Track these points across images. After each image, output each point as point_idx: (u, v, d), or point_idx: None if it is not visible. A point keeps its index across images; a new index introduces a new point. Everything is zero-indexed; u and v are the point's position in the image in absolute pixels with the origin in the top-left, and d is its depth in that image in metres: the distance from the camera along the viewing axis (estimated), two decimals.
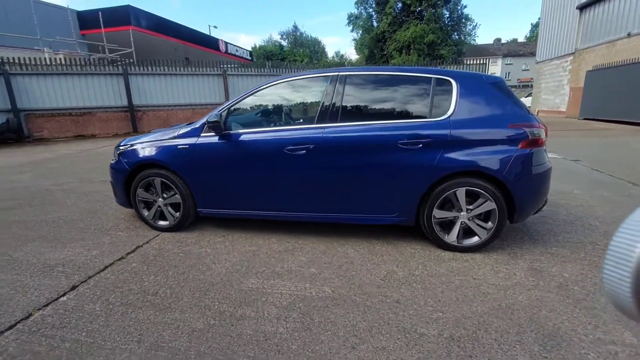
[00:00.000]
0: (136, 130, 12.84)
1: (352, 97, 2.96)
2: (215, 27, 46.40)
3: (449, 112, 2.71)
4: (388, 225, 3.05)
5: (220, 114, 3.04)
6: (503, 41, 62.50)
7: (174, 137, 3.20)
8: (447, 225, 2.83)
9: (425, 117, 2.77)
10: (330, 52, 50.93)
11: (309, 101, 3.34)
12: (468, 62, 17.22)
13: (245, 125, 3.18)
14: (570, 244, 2.91)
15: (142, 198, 3.36)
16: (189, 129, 3.18)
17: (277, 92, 3.22)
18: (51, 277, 2.54)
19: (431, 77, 2.82)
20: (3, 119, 10.70)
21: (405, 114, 2.87)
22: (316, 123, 2.91)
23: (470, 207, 2.73)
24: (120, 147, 3.47)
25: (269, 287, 2.36)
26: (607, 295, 0.44)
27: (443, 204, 2.76)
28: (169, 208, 3.34)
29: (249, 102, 3.20)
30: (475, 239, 2.80)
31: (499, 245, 2.90)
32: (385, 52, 33.62)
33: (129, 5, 18.29)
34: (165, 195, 3.31)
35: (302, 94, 3.29)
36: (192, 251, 2.94)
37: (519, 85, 46.92)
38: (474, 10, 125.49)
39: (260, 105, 3.38)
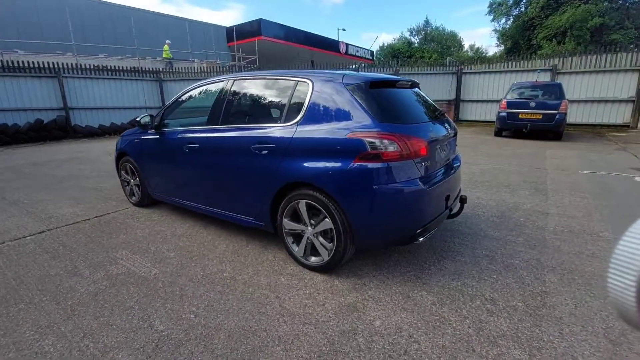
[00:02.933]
0: None
1: (235, 101, 3.10)
2: (343, 29, 48.56)
3: (298, 118, 2.52)
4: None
5: (151, 116, 3.70)
6: None
7: (135, 133, 4.05)
8: (298, 238, 2.64)
9: (278, 122, 2.65)
10: (467, 46, 45.33)
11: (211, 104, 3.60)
12: None
13: (173, 125, 3.72)
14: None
15: (124, 178, 4.40)
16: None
17: (194, 95, 3.61)
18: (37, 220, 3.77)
19: (295, 80, 2.66)
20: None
21: (267, 119, 2.84)
22: (206, 125, 3.20)
23: (314, 222, 2.48)
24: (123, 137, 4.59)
25: (126, 258, 2.86)
26: (611, 304, 0.43)
27: (297, 216, 2.60)
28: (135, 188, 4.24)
29: (178, 104, 3.69)
30: (319, 258, 2.52)
31: (357, 271, 2.49)
32: (532, 42, 27.98)
33: (261, 18, 21.67)
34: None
35: (209, 97, 3.59)
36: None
37: None
38: None
39: (187, 107, 3.84)
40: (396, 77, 2.75)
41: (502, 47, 33.83)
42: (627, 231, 0.43)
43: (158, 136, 3.65)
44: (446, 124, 2.84)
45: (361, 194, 2.22)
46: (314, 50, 26.18)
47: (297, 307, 2.12)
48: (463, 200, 2.92)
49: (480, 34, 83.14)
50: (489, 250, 2.79)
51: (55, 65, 11.43)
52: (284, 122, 2.59)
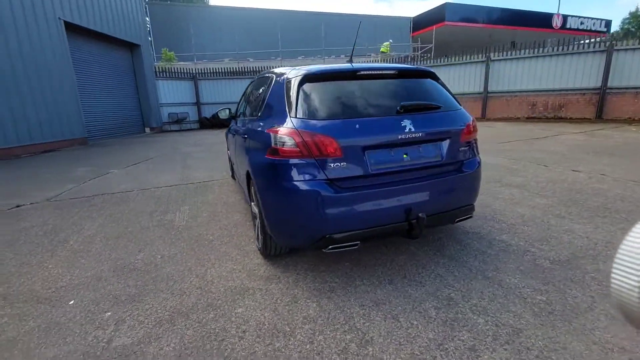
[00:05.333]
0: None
1: (249, 98, 3.42)
2: None
3: (260, 113, 2.60)
4: None
5: (229, 109, 4.53)
6: None
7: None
8: None
9: (253, 116, 2.80)
10: None
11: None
12: None
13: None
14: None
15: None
16: None
17: (248, 90, 4.11)
18: None
19: (271, 76, 2.70)
20: None
21: (254, 112, 2.91)
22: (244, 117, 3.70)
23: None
24: None
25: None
26: (614, 304, 0.44)
27: None
28: None
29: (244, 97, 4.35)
30: (258, 242, 2.59)
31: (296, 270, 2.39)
32: None
33: (447, 2, 20.03)
34: None
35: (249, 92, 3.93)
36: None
37: None
38: None
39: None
40: (356, 65, 2.25)
41: None
42: (630, 232, 0.43)
43: (230, 127, 4.53)
44: (416, 123, 2.09)
45: (264, 187, 2.16)
46: (515, 29, 21.80)
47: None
48: (419, 220, 2.05)
49: None
50: None
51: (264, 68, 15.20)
52: (255, 116, 2.74)
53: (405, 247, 2.61)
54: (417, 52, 20.50)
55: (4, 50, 8.18)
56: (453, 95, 2.47)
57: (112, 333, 1.80)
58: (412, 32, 23.15)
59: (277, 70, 2.72)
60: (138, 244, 2.95)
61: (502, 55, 11.44)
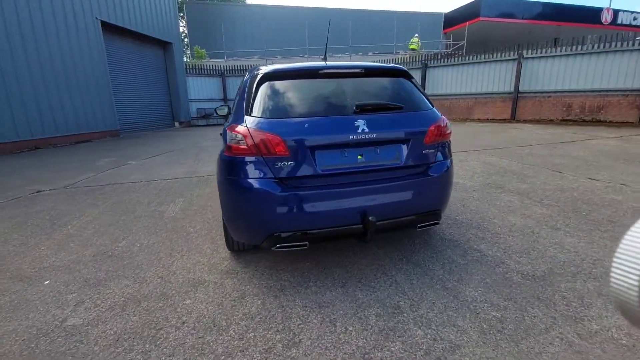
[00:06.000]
0: None
1: None
2: None
3: (233, 110, 2.63)
4: None
5: (229, 107, 4.62)
6: None
7: None
8: None
9: None
10: None
11: None
12: None
13: None
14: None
15: None
16: None
17: None
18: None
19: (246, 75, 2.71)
20: None
21: None
22: None
23: None
24: None
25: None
26: (614, 302, 0.44)
27: None
28: None
29: None
30: None
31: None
32: None
33: None
34: None
35: None
36: None
37: None
38: None
39: None
40: (319, 64, 2.19)
41: None
42: (629, 229, 0.42)
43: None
44: (371, 123, 2.01)
45: (221, 182, 2.18)
46: (559, 24, 20.30)
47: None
48: (369, 224, 1.95)
49: None
50: None
51: None
52: (231, 114, 2.78)
53: (374, 251, 2.55)
54: (449, 49, 19.73)
55: (44, 48, 8.93)
56: (425, 96, 2.35)
57: (69, 313, 1.93)
58: (444, 29, 22.29)
59: (257, 68, 2.74)
60: (124, 232, 3.12)
61: (537, 53, 10.69)
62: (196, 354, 1.58)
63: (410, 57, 16.80)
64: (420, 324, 1.73)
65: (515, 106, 11.31)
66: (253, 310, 1.89)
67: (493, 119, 11.92)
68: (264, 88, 2.13)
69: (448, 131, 2.28)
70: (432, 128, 2.14)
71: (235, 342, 1.64)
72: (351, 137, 1.95)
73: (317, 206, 1.94)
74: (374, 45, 20.40)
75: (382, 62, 16.02)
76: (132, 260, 2.56)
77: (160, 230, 3.13)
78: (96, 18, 10.53)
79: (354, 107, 2.02)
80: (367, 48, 19.95)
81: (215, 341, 1.66)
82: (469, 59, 12.58)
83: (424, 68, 13.94)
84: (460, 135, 8.55)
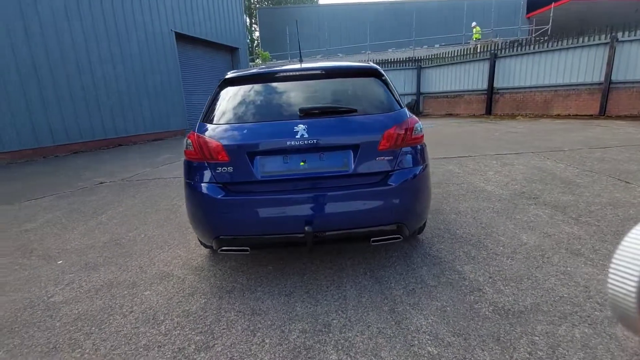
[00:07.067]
0: (490, 112, 13.17)
1: None
2: None
3: None
4: None
5: None
6: None
7: None
8: None
9: None
10: None
11: None
12: None
13: None
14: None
15: None
16: None
17: None
18: None
19: None
20: (409, 99, 15.91)
21: None
22: None
23: None
24: None
25: None
26: (610, 309, 0.43)
27: None
28: None
29: None
30: None
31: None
32: None
33: None
34: None
35: None
36: None
37: None
38: None
39: None
40: (275, 68, 2.12)
41: None
42: (626, 236, 0.41)
43: None
44: (312, 128, 1.89)
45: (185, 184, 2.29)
46: None
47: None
48: (307, 235, 1.85)
49: None
50: None
51: None
52: None
53: (342, 261, 2.41)
54: (532, 34, 17.30)
55: (128, 57, 10.47)
56: (395, 96, 2.13)
57: (58, 291, 2.27)
58: (527, 14, 19.59)
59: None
60: (140, 223, 3.51)
61: (636, 35, 8.71)
62: (122, 342, 1.72)
63: (482, 46, 15.22)
64: (340, 348, 1.59)
65: (606, 99, 9.40)
66: (192, 309, 1.97)
67: (576, 115, 10.11)
68: (222, 94, 2.19)
69: (416, 135, 2.03)
70: (390, 132, 1.93)
71: (159, 337, 1.74)
72: (289, 142, 1.87)
73: (257, 212, 1.93)
74: (440, 36, 18.99)
75: (436, 55, 14.85)
76: (130, 249, 2.87)
77: (167, 224, 3.44)
78: (171, 30, 11.94)
79: (298, 112, 1.94)
80: (432, 40, 18.68)
81: (145, 333, 1.78)
82: (548, 45, 10.84)
83: (493, 59, 12.47)
84: (521, 135, 7.48)
